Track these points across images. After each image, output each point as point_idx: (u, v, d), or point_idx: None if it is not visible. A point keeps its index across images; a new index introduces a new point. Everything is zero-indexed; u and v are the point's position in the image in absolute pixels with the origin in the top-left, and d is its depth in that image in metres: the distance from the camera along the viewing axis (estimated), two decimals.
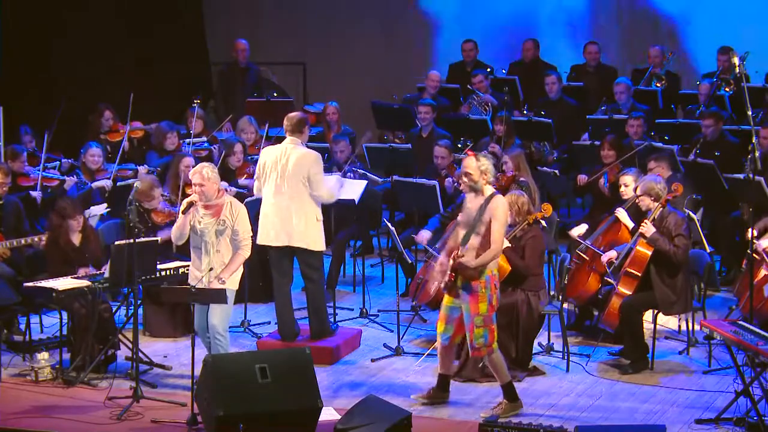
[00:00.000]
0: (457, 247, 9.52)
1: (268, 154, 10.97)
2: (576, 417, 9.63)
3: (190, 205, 9.93)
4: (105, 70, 16.47)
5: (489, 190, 9.49)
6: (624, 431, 9.40)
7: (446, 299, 9.70)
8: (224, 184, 12.45)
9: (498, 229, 9.40)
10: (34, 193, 12.63)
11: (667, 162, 12.39)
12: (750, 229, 10.42)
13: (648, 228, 10.54)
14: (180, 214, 9.99)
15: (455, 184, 12.99)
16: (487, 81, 15.75)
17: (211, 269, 9.86)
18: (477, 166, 9.41)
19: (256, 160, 11.32)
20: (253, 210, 11.08)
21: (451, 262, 9.52)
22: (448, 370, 9.90)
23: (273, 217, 10.83)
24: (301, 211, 10.79)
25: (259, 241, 10.90)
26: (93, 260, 10.94)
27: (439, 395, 9.90)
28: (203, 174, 9.95)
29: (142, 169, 13.19)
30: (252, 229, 10.30)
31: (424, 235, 11.88)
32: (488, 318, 9.51)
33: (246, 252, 10.06)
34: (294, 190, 10.79)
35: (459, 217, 9.69)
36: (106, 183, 12.94)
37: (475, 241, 9.45)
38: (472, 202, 9.52)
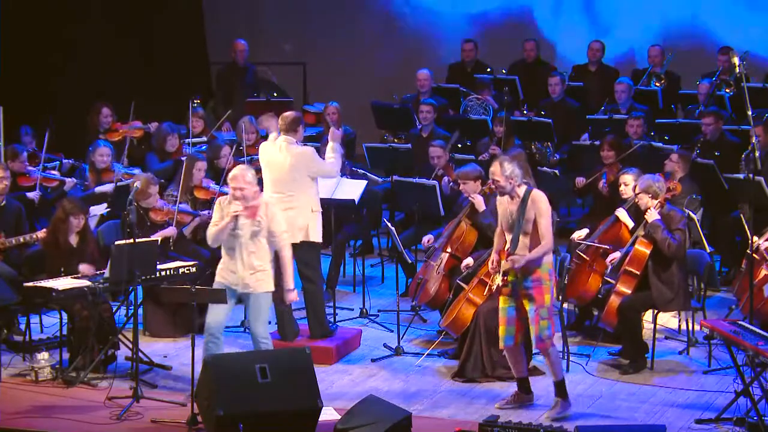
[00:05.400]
0: (506, 251, 9.54)
1: (264, 152, 11.01)
2: (576, 417, 9.63)
3: (236, 218, 9.78)
4: (105, 70, 16.48)
5: (522, 189, 9.54)
6: (624, 431, 9.41)
7: (502, 301, 9.67)
8: (213, 185, 12.49)
9: (545, 224, 9.50)
10: (31, 195, 12.61)
11: (686, 162, 12.41)
12: (750, 232, 10.44)
13: (652, 213, 10.55)
14: (224, 221, 9.77)
15: (451, 184, 12.99)
16: (490, 94, 15.74)
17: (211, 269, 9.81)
18: (501, 172, 9.49)
19: (257, 160, 11.33)
20: None
21: (504, 264, 9.57)
22: (522, 372, 9.85)
23: None
24: (299, 206, 10.81)
25: None
26: (90, 261, 10.90)
27: (523, 398, 9.86)
28: (245, 178, 9.80)
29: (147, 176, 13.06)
30: None
31: (429, 238, 11.87)
32: (551, 309, 9.59)
33: (289, 251, 10.01)
34: (290, 188, 10.82)
35: (500, 221, 9.71)
36: (109, 188, 12.86)
37: (525, 240, 9.51)
38: (510, 204, 9.57)
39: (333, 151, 11.10)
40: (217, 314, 9.84)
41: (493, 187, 9.68)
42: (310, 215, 10.88)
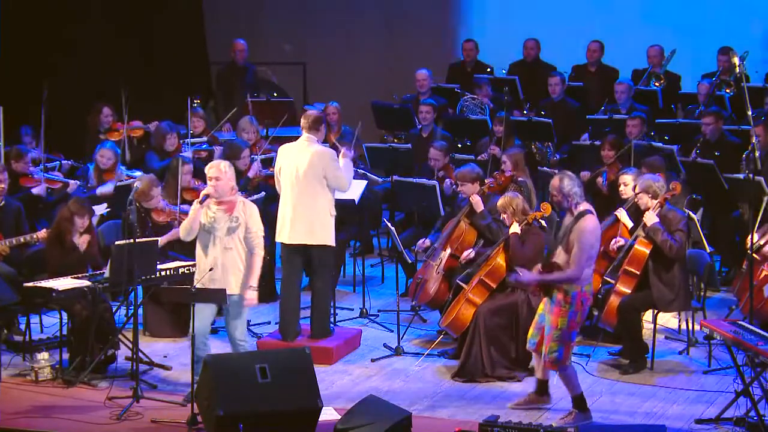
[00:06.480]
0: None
1: (284, 153, 11.01)
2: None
3: (206, 197, 9.82)
4: (104, 69, 16.47)
5: (581, 208, 9.40)
6: (624, 431, 9.41)
7: (541, 305, 9.64)
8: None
9: (577, 253, 9.28)
10: (36, 190, 12.63)
11: (658, 170, 12.39)
12: (751, 233, 10.44)
13: (651, 216, 10.55)
14: (195, 205, 9.85)
15: (453, 186, 13.00)
16: (487, 94, 15.73)
17: (211, 269, 9.81)
18: (560, 187, 9.40)
19: (256, 160, 11.33)
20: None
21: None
22: (544, 375, 9.81)
23: (288, 214, 10.86)
24: (317, 207, 10.84)
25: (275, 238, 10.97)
26: (91, 261, 10.90)
27: (538, 399, 9.83)
28: (220, 168, 9.86)
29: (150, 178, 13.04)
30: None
31: (425, 244, 11.85)
32: (566, 334, 9.39)
33: (262, 251, 9.96)
34: (310, 187, 10.83)
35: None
36: (109, 189, 12.85)
37: (565, 257, 9.38)
38: (567, 219, 9.52)
39: (346, 167, 11.09)
40: (205, 318, 9.84)
41: (552, 201, 9.64)
42: (329, 219, 10.90)
